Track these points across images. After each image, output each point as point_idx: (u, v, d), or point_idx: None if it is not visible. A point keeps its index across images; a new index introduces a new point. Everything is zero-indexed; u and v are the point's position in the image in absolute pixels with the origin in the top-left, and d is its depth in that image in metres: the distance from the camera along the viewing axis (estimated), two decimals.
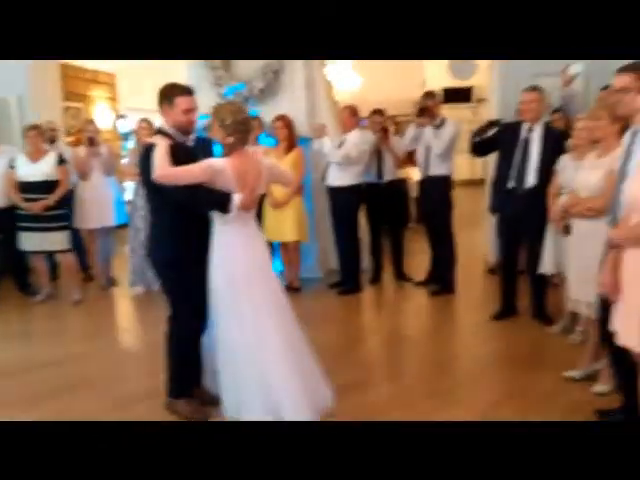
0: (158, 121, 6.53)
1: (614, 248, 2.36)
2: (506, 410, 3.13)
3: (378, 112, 5.58)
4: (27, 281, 5.69)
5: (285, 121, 5.24)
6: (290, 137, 5.26)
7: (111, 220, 5.77)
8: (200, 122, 5.63)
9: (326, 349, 4.16)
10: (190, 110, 2.92)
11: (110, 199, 5.70)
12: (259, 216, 5.36)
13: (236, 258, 2.83)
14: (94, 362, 4.08)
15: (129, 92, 8.96)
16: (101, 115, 8.57)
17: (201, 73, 5.89)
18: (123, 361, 4.16)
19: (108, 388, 3.59)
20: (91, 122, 5.78)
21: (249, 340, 2.82)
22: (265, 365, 2.82)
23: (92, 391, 3.56)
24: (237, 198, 2.72)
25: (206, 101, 5.77)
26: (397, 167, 5.69)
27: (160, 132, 2.96)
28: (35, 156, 5.11)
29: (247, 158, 2.84)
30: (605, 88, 4.45)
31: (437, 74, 12.57)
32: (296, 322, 3.03)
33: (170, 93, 2.93)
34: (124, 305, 5.59)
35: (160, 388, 3.22)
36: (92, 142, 5.51)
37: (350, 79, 12.14)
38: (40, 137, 5.12)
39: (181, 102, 2.90)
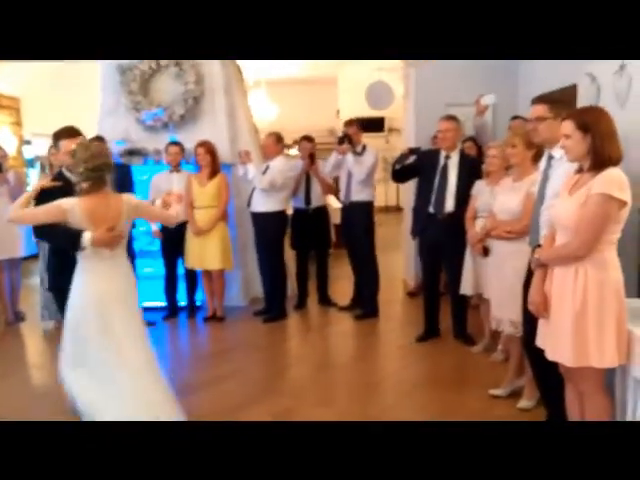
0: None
1: (539, 267, 2.48)
2: None
3: (307, 139, 5.63)
4: None
5: (207, 147, 5.17)
6: (213, 163, 5.18)
7: (19, 251, 5.40)
8: (117, 148, 5.48)
9: (254, 378, 4.10)
10: None
11: (18, 229, 5.34)
12: (181, 244, 5.24)
13: (87, 292, 2.92)
14: (1, 403, 3.76)
15: (34, 117, 8.53)
16: (4, 140, 8.07)
17: (117, 98, 5.70)
18: (34, 400, 3.86)
19: None
20: None
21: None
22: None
23: None
24: (87, 236, 2.80)
25: (123, 126, 5.64)
26: (325, 193, 5.74)
27: (59, 174, 3.21)
28: None
29: (103, 198, 2.89)
30: (515, 118, 4.74)
31: (351, 104, 12.92)
32: (152, 360, 3.06)
33: (56, 137, 3.22)
34: (34, 341, 5.21)
35: None
36: None
37: (267, 108, 12.23)
38: None
39: (64, 145, 3.14)
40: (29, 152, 8.94)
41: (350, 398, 3.76)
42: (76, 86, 7.58)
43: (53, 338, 5.07)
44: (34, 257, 5.48)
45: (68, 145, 3.07)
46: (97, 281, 2.93)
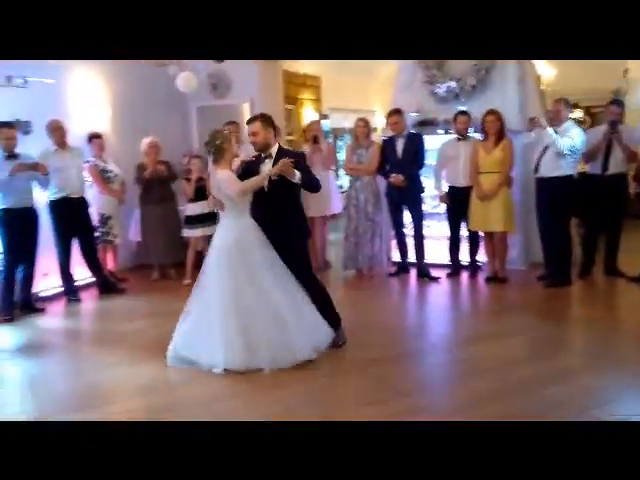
0: (375, 120, 7.03)
1: None
2: None
3: (616, 102, 5.48)
4: None
5: (497, 115, 5.42)
6: (500, 130, 5.42)
7: (330, 210, 6.33)
8: (411, 118, 6.07)
9: (534, 336, 4.19)
10: (249, 134, 3.81)
11: (329, 190, 6.20)
12: (465, 207, 5.59)
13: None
14: None
15: (331, 93, 9.64)
16: (307, 116, 9.34)
17: (412, 72, 6.24)
18: None
19: None
20: (317, 122, 6.42)
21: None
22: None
23: None
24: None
25: (416, 99, 6.19)
26: (629, 161, 5.44)
27: None
28: None
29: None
30: None
31: None
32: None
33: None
34: (335, 284, 6.01)
35: None
36: (316, 140, 6.13)
37: (543, 70, 11.71)
38: None
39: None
40: (325, 125, 10.11)
41: None
42: (365, 64, 8.31)
43: (350, 284, 5.88)
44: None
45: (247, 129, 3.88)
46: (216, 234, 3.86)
